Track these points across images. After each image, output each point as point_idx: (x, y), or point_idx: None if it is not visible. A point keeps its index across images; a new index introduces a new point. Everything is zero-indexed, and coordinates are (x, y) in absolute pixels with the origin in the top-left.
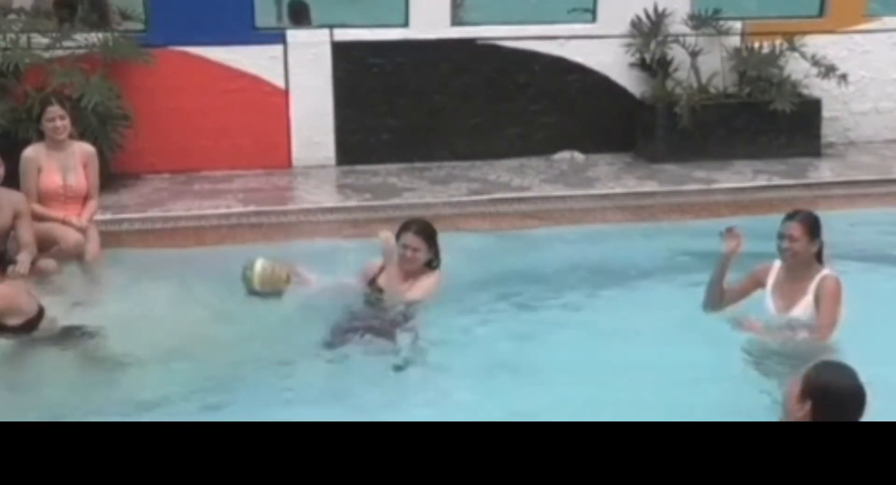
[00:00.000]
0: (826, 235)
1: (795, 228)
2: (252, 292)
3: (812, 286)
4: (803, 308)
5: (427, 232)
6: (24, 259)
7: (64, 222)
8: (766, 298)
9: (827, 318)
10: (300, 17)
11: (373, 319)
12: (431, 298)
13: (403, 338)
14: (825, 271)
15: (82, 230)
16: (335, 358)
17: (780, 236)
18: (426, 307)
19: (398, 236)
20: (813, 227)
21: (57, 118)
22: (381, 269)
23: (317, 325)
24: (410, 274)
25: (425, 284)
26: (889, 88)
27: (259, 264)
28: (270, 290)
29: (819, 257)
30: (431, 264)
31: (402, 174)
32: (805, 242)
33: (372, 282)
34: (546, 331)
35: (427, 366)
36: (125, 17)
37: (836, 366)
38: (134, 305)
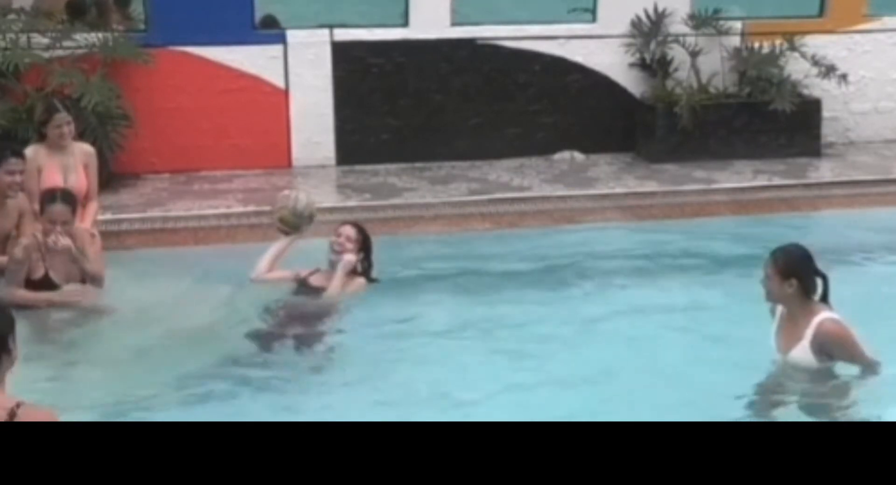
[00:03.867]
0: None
1: (768, 266)
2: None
3: (809, 331)
4: (800, 353)
5: (363, 231)
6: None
7: None
8: (773, 335)
9: (856, 360)
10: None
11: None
12: (351, 296)
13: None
14: (821, 315)
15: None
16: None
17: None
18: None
19: (338, 229)
20: (786, 266)
21: (64, 125)
22: (313, 272)
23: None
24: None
25: (353, 285)
26: (889, 88)
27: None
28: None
29: (821, 295)
30: (358, 270)
31: (402, 174)
32: (776, 282)
33: (304, 281)
34: (544, 330)
35: (425, 362)
36: (126, 17)
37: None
38: (134, 304)
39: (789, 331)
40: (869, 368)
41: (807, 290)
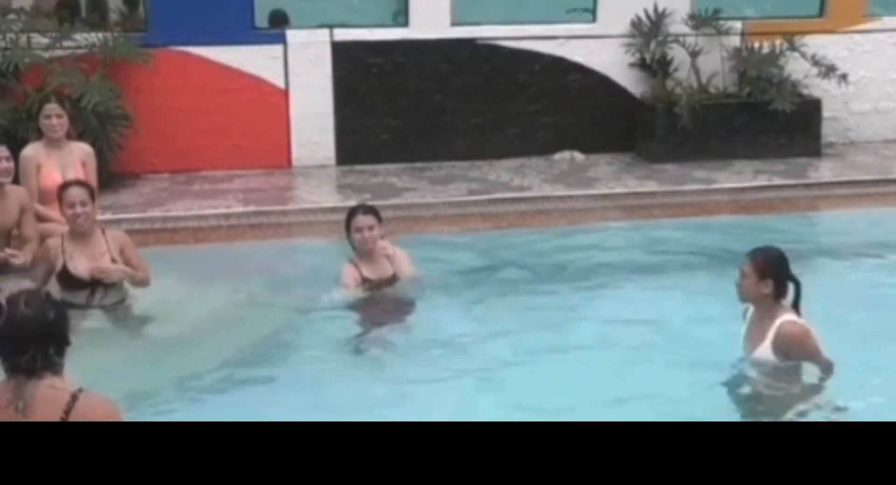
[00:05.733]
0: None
1: (746, 265)
2: None
3: (771, 333)
4: (762, 352)
5: (374, 210)
6: (24, 253)
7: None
8: (741, 337)
9: (813, 359)
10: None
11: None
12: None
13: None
14: (783, 317)
15: None
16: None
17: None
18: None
19: (348, 225)
20: (765, 266)
21: (53, 116)
22: (358, 267)
23: (314, 328)
24: (378, 255)
25: (400, 254)
26: (889, 88)
27: None
28: None
29: (793, 301)
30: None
31: (402, 174)
32: (753, 281)
33: (365, 281)
34: (543, 330)
35: (427, 365)
36: (126, 18)
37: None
38: (133, 304)
39: (755, 333)
40: (824, 367)
41: (779, 292)
